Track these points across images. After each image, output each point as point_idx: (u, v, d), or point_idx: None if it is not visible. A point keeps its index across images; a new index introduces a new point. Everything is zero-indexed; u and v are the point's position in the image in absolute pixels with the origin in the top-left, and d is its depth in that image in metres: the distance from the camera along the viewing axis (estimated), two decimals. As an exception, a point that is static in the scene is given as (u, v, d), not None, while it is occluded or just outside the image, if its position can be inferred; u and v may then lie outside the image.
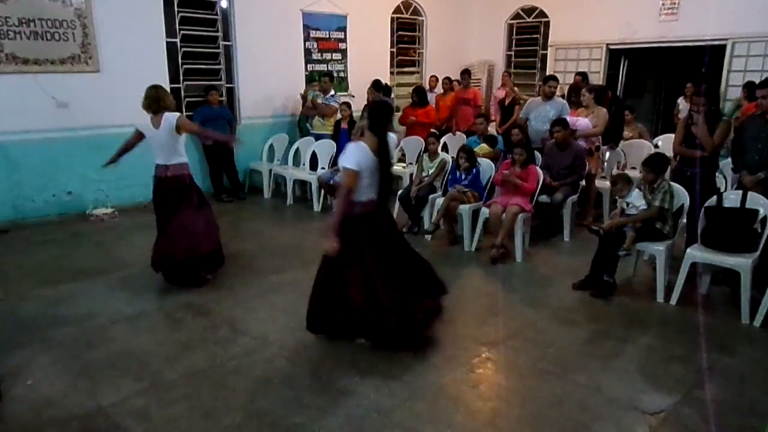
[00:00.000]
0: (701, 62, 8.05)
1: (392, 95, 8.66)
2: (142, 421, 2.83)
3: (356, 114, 7.68)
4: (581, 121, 6.16)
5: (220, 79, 7.83)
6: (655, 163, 4.50)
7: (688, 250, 4.25)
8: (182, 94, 7.47)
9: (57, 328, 3.80)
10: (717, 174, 5.22)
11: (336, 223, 3.31)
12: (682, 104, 8.39)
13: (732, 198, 4.31)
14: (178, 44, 7.27)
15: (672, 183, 4.46)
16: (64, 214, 6.55)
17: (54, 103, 6.28)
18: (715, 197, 4.33)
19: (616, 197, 4.65)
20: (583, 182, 6.10)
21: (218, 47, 7.72)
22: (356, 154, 3.27)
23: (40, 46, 6.13)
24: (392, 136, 3.59)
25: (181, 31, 7.27)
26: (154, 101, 4.43)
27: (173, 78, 7.25)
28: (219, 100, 7.50)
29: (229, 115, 7.60)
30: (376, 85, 7.86)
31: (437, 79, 9.17)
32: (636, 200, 4.47)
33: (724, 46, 8.23)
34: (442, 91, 8.93)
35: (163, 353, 3.49)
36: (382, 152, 3.34)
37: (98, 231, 6.11)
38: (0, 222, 6.09)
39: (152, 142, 4.47)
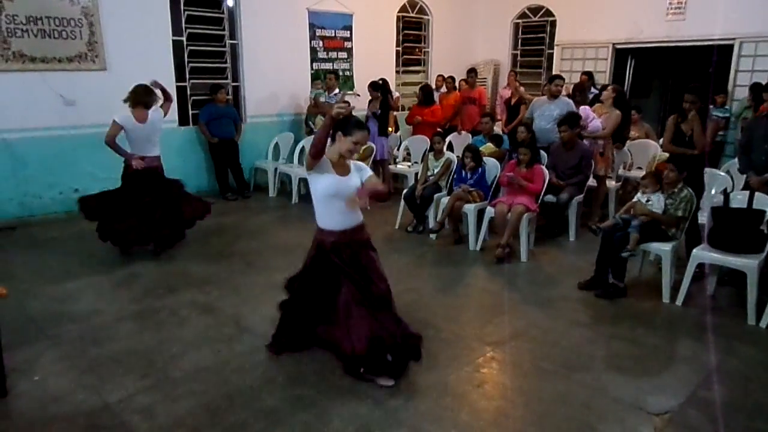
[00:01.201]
0: (708, 62, 8.03)
1: (395, 94, 8.63)
2: (147, 418, 2.84)
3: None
4: (593, 123, 6.12)
5: (226, 78, 7.84)
6: (680, 162, 4.47)
7: (694, 250, 4.23)
8: (188, 92, 7.48)
9: (63, 325, 3.82)
10: (724, 174, 5.19)
11: None
12: None
13: (739, 198, 4.30)
14: (185, 42, 7.28)
15: (689, 188, 4.40)
16: (70, 211, 6.55)
17: (61, 100, 6.32)
18: (722, 198, 4.31)
19: (640, 191, 4.62)
20: (594, 182, 6.07)
21: (224, 45, 7.74)
22: None
23: (47, 44, 6.16)
24: None
25: (188, 30, 7.29)
26: (147, 95, 4.88)
27: (179, 76, 7.27)
28: (226, 99, 7.52)
29: (234, 114, 7.62)
30: (374, 84, 7.80)
31: (443, 78, 9.15)
32: (656, 200, 4.43)
33: (731, 46, 8.18)
34: (446, 90, 8.92)
35: (168, 351, 3.51)
36: None
37: (104, 228, 6.13)
38: (7, 219, 6.13)
39: (139, 135, 4.98)
